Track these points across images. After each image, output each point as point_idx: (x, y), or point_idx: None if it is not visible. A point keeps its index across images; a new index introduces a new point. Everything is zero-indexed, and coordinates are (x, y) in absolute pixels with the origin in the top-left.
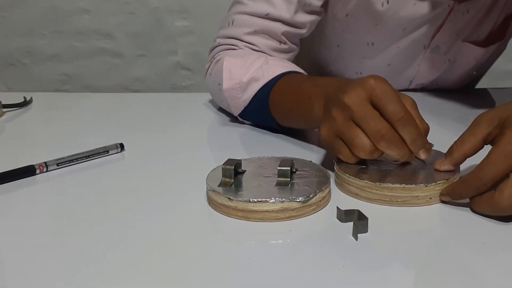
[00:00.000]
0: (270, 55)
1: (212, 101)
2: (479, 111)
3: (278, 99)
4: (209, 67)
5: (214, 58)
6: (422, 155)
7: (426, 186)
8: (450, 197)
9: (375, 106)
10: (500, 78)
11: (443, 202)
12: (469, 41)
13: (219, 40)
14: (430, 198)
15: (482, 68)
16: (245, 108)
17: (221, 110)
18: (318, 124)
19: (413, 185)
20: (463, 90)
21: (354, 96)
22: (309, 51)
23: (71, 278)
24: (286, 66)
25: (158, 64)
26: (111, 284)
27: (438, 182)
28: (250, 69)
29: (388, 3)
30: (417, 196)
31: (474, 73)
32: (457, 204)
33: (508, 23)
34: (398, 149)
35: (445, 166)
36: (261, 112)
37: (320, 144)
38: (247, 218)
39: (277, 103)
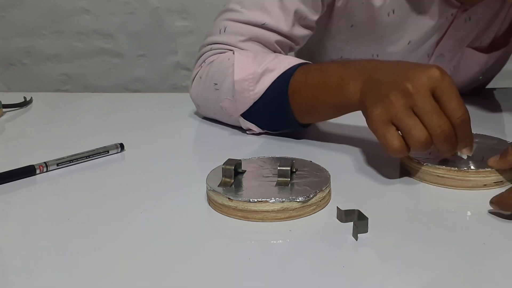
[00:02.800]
0: None
1: None
2: (482, 111)
3: (301, 85)
4: (197, 72)
5: (205, 62)
6: (465, 151)
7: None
8: (498, 207)
9: (437, 98)
10: (500, 78)
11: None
12: (472, 47)
13: (210, 46)
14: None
15: (487, 74)
16: (255, 103)
17: None
18: (350, 106)
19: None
20: (469, 93)
21: (419, 85)
22: (310, 61)
23: (71, 277)
24: (299, 60)
25: (158, 64)
26: (111, 284)
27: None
28: (263, 61)
29: (394, 13)
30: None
31: (480, 77)
32: (456, 204)
33: None
34: (450, 145)
35: (498, 165)
36: (277, 104)
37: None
38: (247, 218)
39: (299, 91)
